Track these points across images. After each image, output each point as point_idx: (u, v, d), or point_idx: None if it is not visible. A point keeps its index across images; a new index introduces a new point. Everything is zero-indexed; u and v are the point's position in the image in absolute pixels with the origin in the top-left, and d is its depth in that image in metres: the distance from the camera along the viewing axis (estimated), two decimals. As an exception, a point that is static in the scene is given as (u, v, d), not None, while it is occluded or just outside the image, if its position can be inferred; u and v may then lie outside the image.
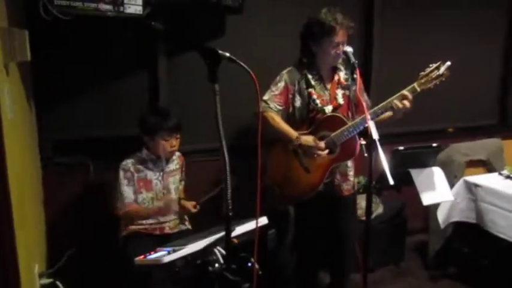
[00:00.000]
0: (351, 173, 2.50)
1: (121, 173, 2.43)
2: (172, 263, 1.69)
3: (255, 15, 2.96)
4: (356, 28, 2.47)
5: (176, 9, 2.67)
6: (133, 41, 2.76)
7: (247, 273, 1.66)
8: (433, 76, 2.24)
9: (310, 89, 2.36)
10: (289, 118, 2.40)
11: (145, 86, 2.83)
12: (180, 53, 2.85)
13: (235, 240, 1.73)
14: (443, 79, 2.25)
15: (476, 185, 2.88)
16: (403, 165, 2.53)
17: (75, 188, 2.73)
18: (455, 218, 2.96)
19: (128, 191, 2.43)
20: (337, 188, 2.46)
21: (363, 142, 2.14)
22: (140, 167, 2.47)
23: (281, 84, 2.37)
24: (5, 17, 1.69)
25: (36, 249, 2.17)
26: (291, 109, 2.40)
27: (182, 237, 2.19)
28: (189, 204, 2.58)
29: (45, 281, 2.04)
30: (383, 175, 2.01)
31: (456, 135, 3.69)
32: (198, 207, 2.59)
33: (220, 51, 1.37)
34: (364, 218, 2.30)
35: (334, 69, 2.44)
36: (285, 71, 2.40)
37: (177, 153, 2.63)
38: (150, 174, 2.50)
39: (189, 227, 2.62)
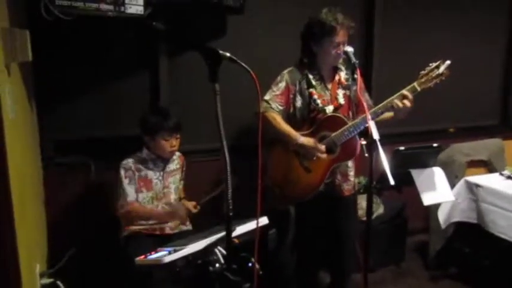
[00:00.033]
0: (352, 173, 2.50)
1: (122, 172, 2.43)
2: (173, 263, 1.69)
3: (256, 16, 2.96)
4: (357, 28, 2.47)
5: (177, 10, 2.67)
6: (134, 41, 2.76)
7: (248, 273, 1.67)
8: (433, 75, 2.24)
9: (311, 89, 2.36)
10: (289, 118, 2.40)
11: (146, 86, 2.84)
12: (181, 53, 2.85)
13: (236, 240, 1.73)
14: (443, 78, 2.25)
15: (477, 185, 2.88)
16: (403, 166, 2.53)
17: (76, 188, 2.74)
18: (456, 218, 2.96)
19: (129, 189, 2.43)
20: (338, 188, 2.46)
21: (364, 142, 2.14)
22: (140, 166, 2.48)
23: (282, 84, 2.37)
24: (6, 17, 1.70)
25: (37, 249, 2.17)
26: (291, 109, 2.40)
27: (183, 237, 2.19)
28: (190, 205, 2.58)
29: (46, 280, 2.05)
30: (383, 175, 2.01)
31: (457, 135, 3.69)
32: (198, 207, 2.59)
33: (221, 52, 1.38)
34: (365, 218, 2.30)
35: (335, 69, 2.44)
36: (285, 71, 2.41)
37: (178, 153, 2.63)
38: (150, 174, 2.50)
39: (190, 227, 2.62)
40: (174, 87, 2.87)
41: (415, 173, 2.56)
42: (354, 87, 2.31)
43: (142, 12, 2.33)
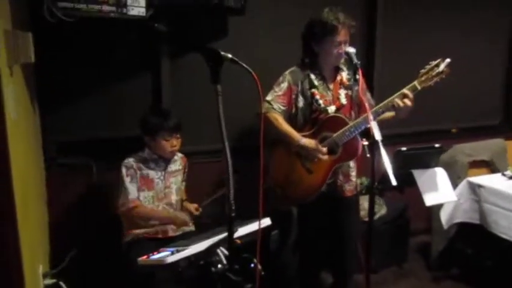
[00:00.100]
0: (354, 173, 2.50)
1: (123, 170, 2.43)
2: (175, 263, 1.70)
3: (257, 17, 2.96)
4: (358, 29, 2.48)
5: (179, 11, 2.67)
6: (136, 43, 2.77)
7: (250, 273, 1.67)
8: (433, 73, 2.24)
9: (313, 90, 2.36)
10: (291, 119, 2.40)
11: (148, 88, 2.84)
12: (183, 54, 2.85)
13: (238, 241, 1.73)
14: (444, 76, 2.24)
15: (480, 186, 2.87)
16: (405, 166, 2.53)
17: (79, 188, 2.74)
18: (459, 219, 2.95)
19: (131, 188, 2.43)
20: (340, 188, 2.46)
21: (366, 143, 2.14)
22: (142, 165, 2.48)
23: (284, 85, 2.38)
24: (9, 19, 1.70)
25: (40, 249, 2.18)
26: (293, 109, 2.40)
27: (185, 238, 2.20)
28: (191, 207, 2.59)
29: (49, 281, 2.05)
30: (385, 176, 2.01)
31: (459, 136, 3.69)
32: (200, 209, 2.59)
33: (222, 53, 1.38)
34: (367, 219, 2.30)
35: (337, 70, 2.44)
36: (287, 72, 2.41)
37: (180, 155, 2.63)
38: (151, 173, 2.50)
39: (193, 228, 2.62)
40: (176, 88, 2.87)
41: (417, 174, 2.56)
42: (356, 88, 2.31)
43: (144, 14, 2.33)
